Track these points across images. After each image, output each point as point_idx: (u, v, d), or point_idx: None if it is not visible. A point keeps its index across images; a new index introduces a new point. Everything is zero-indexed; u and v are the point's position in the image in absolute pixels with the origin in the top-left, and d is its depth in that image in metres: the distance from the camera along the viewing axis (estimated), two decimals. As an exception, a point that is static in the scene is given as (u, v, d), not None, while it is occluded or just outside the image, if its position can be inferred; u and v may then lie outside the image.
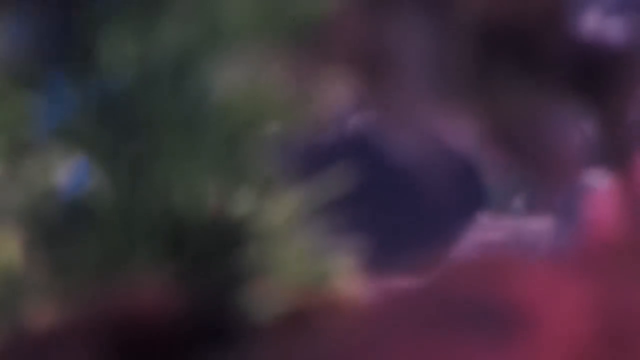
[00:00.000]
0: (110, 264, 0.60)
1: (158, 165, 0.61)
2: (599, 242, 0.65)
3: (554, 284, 0.55)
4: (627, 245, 0.61)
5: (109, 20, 0.65)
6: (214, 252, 0.61)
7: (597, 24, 0.65)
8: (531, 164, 0.75)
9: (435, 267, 0.61)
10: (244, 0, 0.64)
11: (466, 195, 0.94)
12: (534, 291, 0.54)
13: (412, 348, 0.53)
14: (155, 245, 0.60)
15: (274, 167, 0.63)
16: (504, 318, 0.53)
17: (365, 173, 0.73)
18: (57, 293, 0.60)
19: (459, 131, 0.78)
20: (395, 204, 0.78)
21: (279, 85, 0.63)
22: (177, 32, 0.63)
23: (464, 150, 0.85)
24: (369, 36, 0.69)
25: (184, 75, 0.62)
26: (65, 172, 0.62)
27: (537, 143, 0.70)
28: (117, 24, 0.64)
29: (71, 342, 0.54)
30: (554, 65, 0.66)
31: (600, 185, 0.74)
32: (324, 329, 0.54)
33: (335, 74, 0.70)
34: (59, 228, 0.61)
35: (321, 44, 0.72)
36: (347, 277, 0.62)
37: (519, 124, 0.70)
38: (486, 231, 0.96)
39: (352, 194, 0.66)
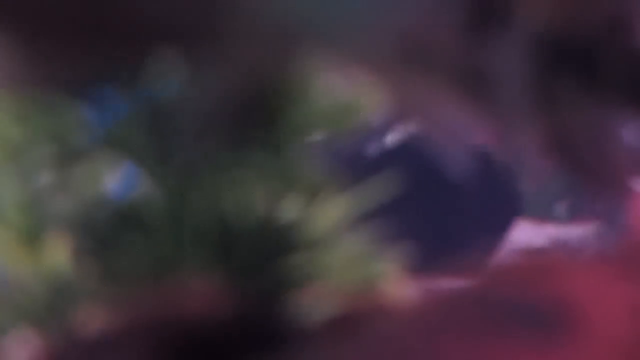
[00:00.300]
0: (160, 270, 0.61)
1: (207, 172, 0.61)
2: None
3: (599, 286, 0.55)
4: None
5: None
6: (263, 258, 0.61)
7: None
8: (583, 171, 0.75)
9: (480, 270, 0.62)
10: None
11: (509, 202, 0.94)
12: (579, 293, 0.54)
13: (459, 350, 0.53)
14: (204, 251, 0.61)
15: (322, 175, 0.63)
16: (549, 319, 0.53)
17: (410, 180, 0.73)
18: (107, 299, 0.60)
19: (510, 140, 0.79)
20: (439, 211, 0.79)
21: (326, 93, 0.63)
22: None
23: (508, 158, 0.86)
24: (417, 45, 0.68)
25: None
26: (115, 179, 0.63)
27: (591, 151, 0.70)
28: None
29: (121, 348, 0.55)
30: (615, 75, 0.66)
31: (643, 191, 0.79)
32: (372, 333, 0.54)
33: (382, 82, 0.72)
34: (108, 235, 0.62)
35: (366, 51, 0.73)
36: (394, 282, 0.62)
37: (575, 133, 0.71)
38: (529, 237, 0.97)
39: (397, 200, 0.66)
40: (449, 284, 0.58)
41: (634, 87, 0.65)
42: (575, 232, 1.00)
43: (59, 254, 0.62)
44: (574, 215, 0.96)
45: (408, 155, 0.84)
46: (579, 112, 0.65)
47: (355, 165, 0.76)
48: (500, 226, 0.93)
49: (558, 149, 0.68)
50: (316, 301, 0.60)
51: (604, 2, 0.66)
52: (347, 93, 0.64)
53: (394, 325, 0.54)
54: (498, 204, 0.92)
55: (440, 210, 0.80)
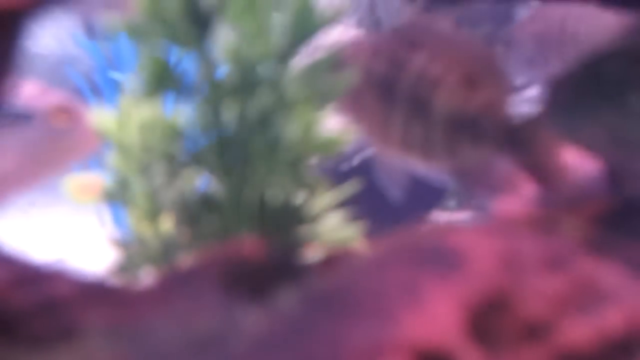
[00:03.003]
0: (226, 233, 0.75)
1: (254, 177, 0.76)
2: (500, 220, 0.78)
3: (475, 241, 0.61)
4: (514, 222, 0.73)
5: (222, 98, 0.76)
6: (285, 224, 0.76)
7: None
8: (472, 186, 0.89)
9: (409, 232, 0.66)
10: (298, 83, 0.76)
11: (428, 201, 1.12)
12: (464, 244, 0.61)
13: (395, 273, 0.58)
14: (250, 222, 0.75)
15: (317, 179, 0.78)
16: (447, 258, 0.59)
17: (365, 185, 0.88)
18: (195, 249, 0.76)
19: (431, 170, 0.92)
20: (385, 205, 0.94)
21: (321, 133, 0.77)
22: (262, 103, 0.76)
23: (430, 178, 1.03)
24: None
25: (268, 128, 0.75)
26: (200, 180, 0.78)
27: (477, 177, 0.85)
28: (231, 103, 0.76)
29: (205, 276, 0.63)
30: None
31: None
32: (344, 267, 0.63)
33: (353, 128, 0.83)
34: (196, 213, 0.77)
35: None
36: (356, 240, 0.78)
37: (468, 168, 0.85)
38: (437, 218, 1.13)
39: (358, 196, 0.82)
40: (388, 242, 0.63)
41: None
42: (462, 216, 1.15)
43: (168, 224, 0.78)
44: (460, 207, 1.17)
45: (366, 170, 0.99)
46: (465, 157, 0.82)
47: (335, 175, 0.86)
48: (422, 214, 1.10)
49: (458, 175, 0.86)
50: (314, 249, 0.76)
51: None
52: (333, 135, 0.78)
53: (356, 263, 0.63)
54: (423, 203, 1.08)
55: (385, 204, 0.94)
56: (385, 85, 0.80)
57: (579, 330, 0.59)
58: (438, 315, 0.54)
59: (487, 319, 0.56)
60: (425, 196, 1.11)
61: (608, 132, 0.72)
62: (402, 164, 0.90)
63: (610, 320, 0.60)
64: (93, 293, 0.61)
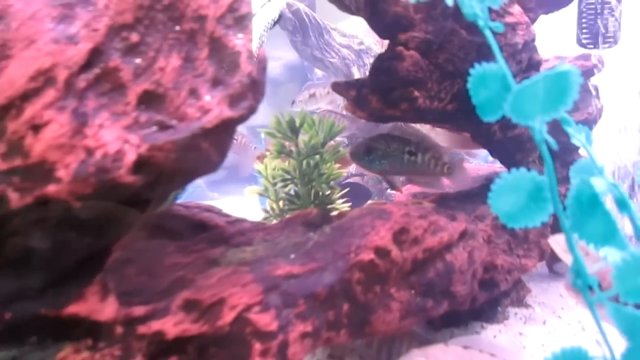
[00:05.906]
0: (302, 208, 0.67)
1: (313, 186, 0.68)
2: (399, 201, 0.64)
3: (393, 207, 0.54)
4: (407, 202, 0.60)
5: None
6: (324, 203, 0.68)
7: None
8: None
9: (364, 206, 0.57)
10: (329, 152, 0.66)
11: (369, 196, 0.98)
12: (389, 208, 0.52)
13: (362, 220, 0.50)
14: (312, 203, 0.67)
15: (334, 187, 0.69)
16: (383, 212, 0.50)
17: (351, 189, 0.78)
18: (292, 213, 0.65)
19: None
20: (357, 197, 0.85)
21: (335, 170, 0.68)
22: (315, 160, 0.67)
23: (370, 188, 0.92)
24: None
25: (318, 169, 0.67)
26: (293, 187, 0.68)
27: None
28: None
29: (296, 221, 0.53)
30: None
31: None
32: (346, 219, 0.52)
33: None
34: (291, 199, 0.68)
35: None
36: (348, 209, 0.66)
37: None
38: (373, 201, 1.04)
39: (348, 193, 0.71)
40: (361, 209, 0.55)
41: None
42: (383, 200, 0.96)
43: (282, 204, 0.69)
44: (380, 198, 0.98)
45: (351, 184, 0.91)
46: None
47: (340, 185, 0.77)
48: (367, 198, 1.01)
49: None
50: (334, 212, 0.64)
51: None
52: (339, 170, 0.69)
53: (350, 217, 0.53)
54: (365, 195, 0.98)
55: (357, 196, 0.85)
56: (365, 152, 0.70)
57: (432, 240, 0.52)
58: (381, 234, 0.49)
59: (399, 236, 0.51)
60: (368, 194, 1.00)
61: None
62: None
63: (442, 236, 0.52)
64: (256, 227, 0.55)
